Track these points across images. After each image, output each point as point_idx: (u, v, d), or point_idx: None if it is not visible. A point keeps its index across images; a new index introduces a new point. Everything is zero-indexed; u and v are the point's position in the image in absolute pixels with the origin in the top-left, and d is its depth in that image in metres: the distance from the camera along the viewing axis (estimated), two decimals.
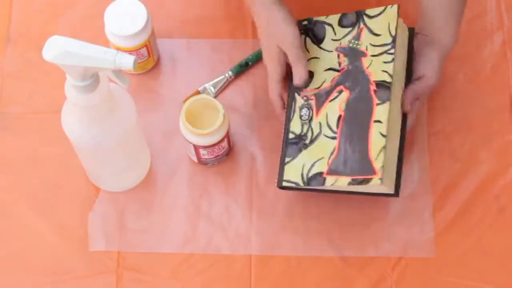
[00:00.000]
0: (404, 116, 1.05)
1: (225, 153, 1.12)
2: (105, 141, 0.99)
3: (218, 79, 1.19)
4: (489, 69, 1.20)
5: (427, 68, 1.05)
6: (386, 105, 1.00)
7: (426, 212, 1.12)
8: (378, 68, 1.02)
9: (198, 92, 1.18)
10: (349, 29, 1.06)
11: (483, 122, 1.17)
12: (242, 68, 1.19)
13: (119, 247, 1.10)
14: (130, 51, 1.13)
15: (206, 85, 1.18)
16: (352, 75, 1.04)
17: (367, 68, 1.03)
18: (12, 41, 1.22)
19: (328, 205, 1.12)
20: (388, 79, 1.00)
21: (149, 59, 1.17)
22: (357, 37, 1.05)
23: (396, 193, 1.03)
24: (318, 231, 1.11)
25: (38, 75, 1.19)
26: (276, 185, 1.06)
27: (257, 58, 1.20)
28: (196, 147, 1.09)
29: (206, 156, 1.11)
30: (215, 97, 1.18)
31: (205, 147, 1.08)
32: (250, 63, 1.19)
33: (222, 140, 1.08)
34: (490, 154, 1.15)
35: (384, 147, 0.98)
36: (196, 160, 1.13)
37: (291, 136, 1.06)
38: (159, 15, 1.22)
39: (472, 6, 1.24)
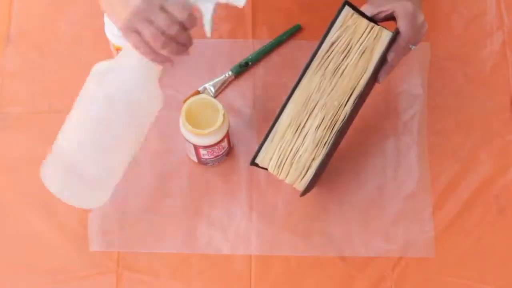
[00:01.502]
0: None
1: (225, 153, 1.12)
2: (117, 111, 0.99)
3: (218, 79, 1.19)
4: (489, 69, 1.20)
5: (402, 24, 1.00)
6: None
7: (426, 212, 1.12)
8: None
9: (198, 92, 1.18)
10: None
11: (483, 122, 1.17)
12: (242, 68, 1.19)
13: (119, 247, 1.10)
14: None
15: (206, 85, 1.18)
16: None
17: None
18: (12, 41, 1.22)
19: (328, 205, 1.12)
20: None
21: None
22: None
23: (305, 193, 1.03)
24: (318, 231, 1.11)
25: (38, 75, 1.19)
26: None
27: (257, 58, 1.20)
28: (196, 147, 1.08)
29: (206, 156, 1.11)
30: (215, 97, 1.18)
31: (205, 147, 1.08)
32: (250, 63, 1.19)
33: (222, 140, 1.08)
34: (490, 154, 1.15)
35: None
36: (196, 160, 1.13)
37: None
38: None
39: (472, 6, 1.24)
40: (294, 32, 1.22)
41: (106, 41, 1.15)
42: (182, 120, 1.06)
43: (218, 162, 1.13)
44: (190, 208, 1.12)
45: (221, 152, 1.11)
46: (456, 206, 1.12)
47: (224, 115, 1.06)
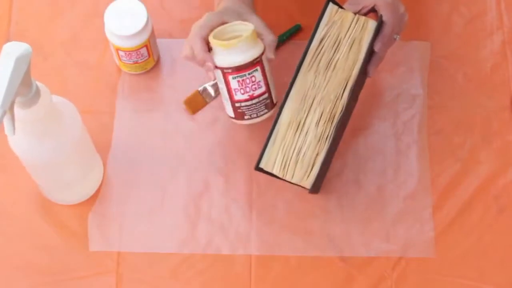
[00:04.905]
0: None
1: (265, 102, 1.02)
2: (54, 154, 0.98)
3: None
4: (489, 69, 1.20)
5: (385, 13, 1.02)
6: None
7: (426, 212, 1.12)
8: None
9: (198, 92, 1.18)
10: None
11: (483, 122, 1.17)
12: None
13: (119, 247, 1.10)
14: (130, 51, 1.13)
15: (206, 85, 1.18)
16: None
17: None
18: (12, 41, 1.21)
19: (328, 205, 1.12)
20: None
21: (149, 59, 1.17)
22: None
23: (313, 190, 1.02)
24: (318, 231, 1.11)
25: (38, 75, 1.19)
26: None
27: None
28: (225, 75, 0.99)
29: (240, 97, 1.01)
30: (215, 97, 1.18)
31: (234, 71, 0.99)
32: None
33: (254, 65, 0.99)
34: (490, 154, 1.15)
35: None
36: (232, 114, 1.04)
37: None
38: (159, 15, 1.22)
39: (472, 6, 1.24)
40: (294, 32, 1.22)
41: (106, 41, 1.15)
42: (210, 38, 1.00)
43: (257, 115, 1.03)
44: (190, 208, 1.12)
45: (258, 93, 1.01)
46: (456, 206, 1.12)
47: (254, 31, 0.99)
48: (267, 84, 1.02)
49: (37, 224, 1.11)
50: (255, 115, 1.03)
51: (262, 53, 1.01)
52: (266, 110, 1.03)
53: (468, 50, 1.22)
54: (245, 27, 1.01)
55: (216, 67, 1.00)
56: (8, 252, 1.10)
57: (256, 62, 1.00)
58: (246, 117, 1.03)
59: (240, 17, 1.02)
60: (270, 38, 1.02)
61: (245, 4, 1.05)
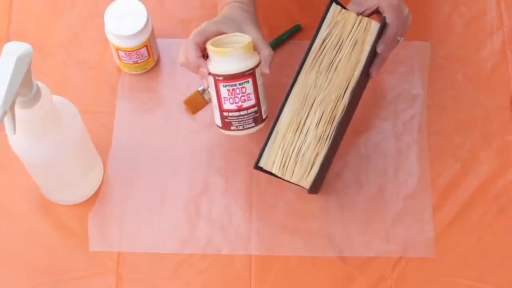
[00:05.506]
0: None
1: (253, 115, 1.02)
2: (54, 154, 0.98)
3: None
4: (489, 69, 1.20)
5: (389, 15, 1.02)
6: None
7: (426, 212, 1.12)
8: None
9: (198, 92, 1.18)
10: None
11: (483, 122, 1.17)
12: None
13: (119, 247, 1.10)
14: (130, 51, 1.13)
15: None
16: None
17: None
18: (12, 41, 1.21)
19: (328, 205, 1.12)
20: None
21: (149, 59, 1.17)
22: None
23: (312, 190, 1.02)
24: (318, 231, 1.11)
25: (38, 75, 1.19)
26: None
27: None
28: (216, 82, 0.99)
29: (228, 106, 1.00)
30: None
31: (224, 79, 0.98)
32: None
33: (245, 76, 0.99)
34: (490, 154, 1.15)
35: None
36: (219, 123, 1.03)
37: None
38: (159, 15, 1.22)
39: (472, 6, 1.24)
40: (294, 32, 1.22)
41: (106, 41, 1.16)
42: (207, 45, 1.00)
43: (244, 127, 1.02)
44: (190, 208, 1.12)
45: (246, 105, 1.01)
46: (456, 206, 1.12)
47: (251, 42, 0.99)
48: (257, 98, 1.01)
49: (37, 224, 1.11)
50: (241, 127, 1.02)
51: (256, 66, 1.00)
52: (253, 124, 1.02)
53: (468, 50, 1.22)
54: (243, 39, 1.00)
55: (209, 73, 1.00)
56: (8, 252, 1.10)
57: (248, 74, 0.99)
58: (232, 127, 1.02)
59: (238, 27, 1.02)
60: (267, 52, 1.00)
61: (247, 13, 1.04)
